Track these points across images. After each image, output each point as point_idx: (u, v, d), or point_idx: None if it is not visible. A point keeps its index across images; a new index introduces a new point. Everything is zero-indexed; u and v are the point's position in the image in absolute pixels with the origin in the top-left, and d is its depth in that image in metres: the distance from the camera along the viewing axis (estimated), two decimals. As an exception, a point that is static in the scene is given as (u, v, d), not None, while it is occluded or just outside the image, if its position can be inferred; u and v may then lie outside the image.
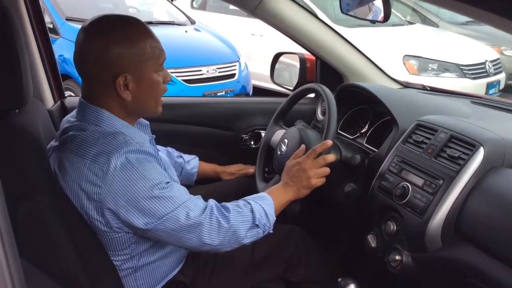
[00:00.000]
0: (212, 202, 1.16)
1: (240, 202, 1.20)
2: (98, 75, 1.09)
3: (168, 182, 1.09)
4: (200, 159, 1.70)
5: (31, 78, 1.07)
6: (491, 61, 5.00)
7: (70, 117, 1.21)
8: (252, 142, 1.95)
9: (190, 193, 1.15)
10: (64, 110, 1.75)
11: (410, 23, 6.04)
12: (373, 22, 1.55)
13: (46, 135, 1.25)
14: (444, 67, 4.70)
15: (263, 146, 1.65)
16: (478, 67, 4.82)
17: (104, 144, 1.06)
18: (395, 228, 1.26)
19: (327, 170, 1.29)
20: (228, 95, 4.34)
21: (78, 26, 1.16)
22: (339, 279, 1.26)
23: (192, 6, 6.45)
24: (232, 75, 4.46)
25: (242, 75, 4.54)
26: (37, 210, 0.97)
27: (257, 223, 1.16)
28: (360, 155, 1.42)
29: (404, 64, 4.62)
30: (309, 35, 1.74)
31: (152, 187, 1.05)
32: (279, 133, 1.60)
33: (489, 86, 4.84)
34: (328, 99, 1.39)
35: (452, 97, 1.80)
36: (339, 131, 1.68)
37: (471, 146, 1.16)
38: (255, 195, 1.25)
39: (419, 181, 1.22)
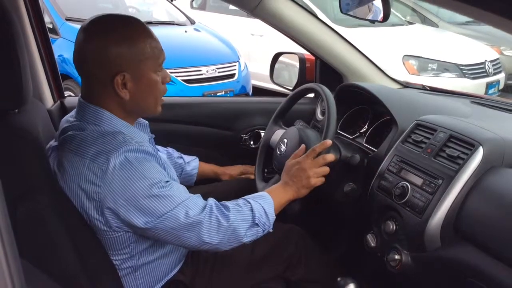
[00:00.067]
0: (211, 201, 1.16)
1: (240, 201, 1.20)
2: (98, 74, 1.09)
3: (167, 181, 1.09)
4: (199, 159, 1.70)
5: (31, 78, 1.07)
6: (491, 61, 5.00)
7: (70, 117, 1.21)
8: (252, 142, 1.95)
9: (190, 193, 1.15)
10: (64, 110, 1.75)
11: (410, 23, 6.04)
12: (373, 22, 1.56)
13: (46, 135, 1.25)
14: (444, 67, 4.71)
15: (262, 146, 1.65)
16: (477, 67, 4.82)
17: (103, 144, 1.06)
18: (394, 227, 1.26)
19: (326, 170, 1.30)
20: (228, 95, 4.34)
21: (78, 26, 1.16)
22: (339, 279, 1.26)
23: (191, 6, 6.45)
24: (232, 75, 4.46)
25: (241, 75, 4.54)
26: (37, 210, 0.97)
27: (256, 222, 1.17)
28: (360, 155, 1.42)
29: (404, 64, 4.63)
30: (309, 35, 1.74)
31: (151, 186, 1.05)
32: (278, 133, 1.60)
33: (489, 86, 4.84)
34: (327, 99, 1.39)
35: (452, 97, 1.80)
36: (338, 130, 1.68)
37: (470, 145, 1.16)
38: (255, 194, 1.25)
39: (419, 181, 1.22)
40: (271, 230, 1.22)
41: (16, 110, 1.08)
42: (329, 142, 1.30)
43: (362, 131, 1.62)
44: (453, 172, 1.15)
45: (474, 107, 1.64)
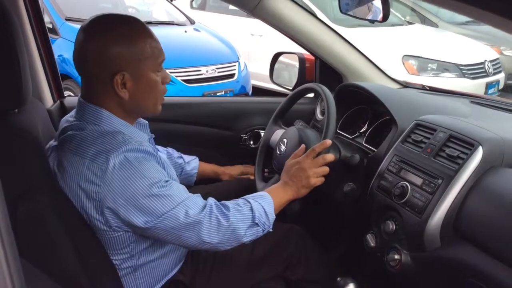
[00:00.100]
0: (211, 200, 1.16)
1: (240, 200, 1.20)
2: (97, 74, 1.09)
3: (167, 181, 1.09)
4: (199, 159, 1.70)
5: (31, 78, 1.07)
6: (491, 61, 5.00)
7: (69, 116, 1.21)
8: (252, 142, 1.95)
9: (190, 193, 1.15)
10: (64, 109, 1.75)
11: (410, 23, 6.04)
12: (372, 22, 1.55)
13: (46, 135, 1.25)
14: (444, 67, 4.71)
15: (262, 146, 1.65)
16: (477, 67, 4.82)
17: (103, 143, 1.06)
18: (394, 227, 1.26)
19: (326, 170, 1.30)
20: (228, 95, 4.34)
21: (78, 26, 1.16)
22: (338, 279, 1.26)
23: (191, 6, 6.45)
24: (232, 75, 4.46)
25: (241, 75, 4.54)
26: (37, 210, 0.97)
27: (256, 221, 1.17)
28: (359, 155, 1.42)
29: (404, 64, 4.63)
30: (308, 35, 1.74)
31: (151, 185, 1.05)
32: (278, 133, 1.60)
33: (488, 86, 4.85)
34: (327, 99, 1.39)
35: (452, 97, 1.80)
36: (338, 130, 1.68)
37: (470, 145, 1.16)
38: (254, 194, 1.25)
39: (418, 181, 1.22)
40: (271, 230, 1.22)
41: (16, 110, 1.08)
42: (328, 142, 1.30)
43: (361, 131, 1.62)
44: (453, 172, 1.15)
45: (474, 107, 1.64)
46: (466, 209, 1.11)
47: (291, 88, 1.97)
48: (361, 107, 1.68)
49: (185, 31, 4.83)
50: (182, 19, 5.17)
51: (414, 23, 6.15)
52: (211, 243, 1.12)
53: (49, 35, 1.78)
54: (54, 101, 1.77)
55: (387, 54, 4.60)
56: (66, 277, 0.97)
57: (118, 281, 1.16)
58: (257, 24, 4.52)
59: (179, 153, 1.66)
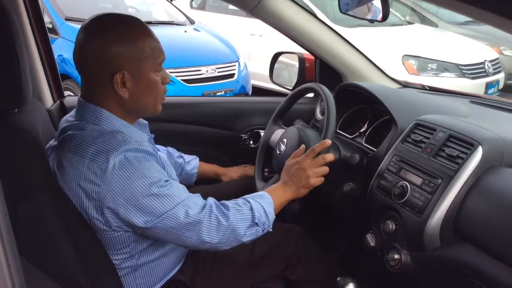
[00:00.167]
0: (211, 200, 1.16)
1: (240, 200, 1.20)
2: (98, 73, 1.09)
3: (167, 180, 1.09)
4: (199, 159, 1.70)
5: (30, 78, 1.07)
6: (490, 61, 5.00)
7: (69, 116, 1.21)
8: (251, 142, 1.95)
9: (190, 193, 1.15)
10: (63, 109, 1.75)
11: (409, 23, 6.04)
12: (372, 21, 1.55)
13: (46, 135, 1.25)
14: (443, 67, 4.71)
15: (262, 146, 1.65)
16: (477, 67, 4.82)
17: (103, 143, 1.06)
18: (394, 227, 1.26)
19: (326, 170, 1.30)
20: (228, 95, 4.34)
21: (78, 26, 1.16)
22: (338, 278, 1.26)
23: (191, 6, 6.45)
24: (231, 75, 4.46)
25: (241, 75, 4.54)
26: (37, 210, 0.97)
27: (256, 221, 1.17)
28: (359, 155, 1.42)
29: (403, 64, 4.63)
30: (308, 35, 1.74)
31: (151, 185, 1.05)
32: (278, 133, 1.60)
33: (488, 85, 4.85)
34: (327, 98, 1.39)
35: (451, 97, 1.80)
36: (338, 130, 1.68)
37: (469, 145, 1.16)
38: (254, 193, 1.25)
39: (418, 180, 1.23)
40: (270, 230, 1.22)
41: (16, 110, 1.08)
42: (328, 142, 1.30)
43: (361, 130, 1.62)
44: (453, 171, 1.15)
45: (474, 106, 1.64)
46: (466, 209, 1.11)
47: (291, 88, 1.97)
48: (361, 107, 1.68)
49: (185, 31, 4.83)
50: (182, 19, 5.17)
51: (414, 23, 6.15)
52: (211, 243, 1.12)
53: (49, 35, 1.78)
54: (54, 101, 1.77)
55: (387, 54, 4.60)
56: (66, 277, 0.97)
57: (118, 281, 1.16)
58: (257, 24, 4.52)
59: (180, 152, 1.66)
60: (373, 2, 1.46)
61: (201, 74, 4.22)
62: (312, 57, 1.90)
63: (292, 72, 2.06)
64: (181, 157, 1.65)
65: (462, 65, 4.73)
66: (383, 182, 1.33)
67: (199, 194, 1.17)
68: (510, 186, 1.09)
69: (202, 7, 6.44)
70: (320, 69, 1.90)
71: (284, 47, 2.20)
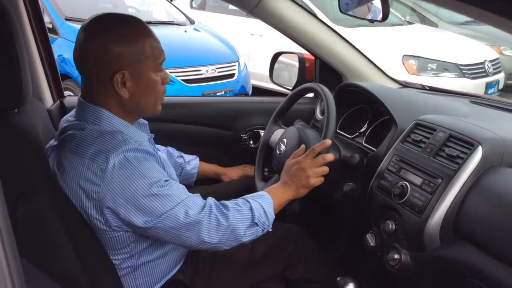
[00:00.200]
0: (211, 200, 1.16)
1: (239, 200, 1.20)
2: (98, 73, 1.09)
3: (166, 180, 1.09)
4: (199, 159, 1.70)
5: (30, 78, 1.07)
6: (490, 61, 5.00)
7: (69, 116, 1.21)
8: (251, 142, 1.95)
9: (190, 193, 1.15)
10: (63, 109, 1.75)
11: (409, 23, 6.04)
12: (372, 21, 1.55)
13: (46, 135, 1.25)
14: (443, 67, 4.71)
15: (262, 146, 1.65)
16: (477, 67, 4.82)
17: (103, 143, 1.06)
18: (394, 227, 1.26)
19: (326, 170, 1.30)
20: (227, 95, 4.34)
21: (78, 26, 1.16)
22: (338, 278, 1.26)
23: (191, 6, 6.45)
24: (231, 75, 4.46)
25: (241, 75, 4.54)
26: (37, 210, 0.97)
27: (256, 221, 1.17)
28: (359, 155, 1.42)
29: (403, 64, 4.63)
30: (308, 35, 1.74)
31: (151, 185, 1.05)
32: (278, 133, 1.60)
33: (488, 85, 4.85)
34: (327, 98, 1.39)
35: (451, 97, 1.80)
36: (338, 130, 1.68)
37: (469, 145, 1.16)
38: (254, 193, 1.25)
39: (418, 180, 1.23)
40: (270, 230, 1.22)
41: (16, 110, 1.08)
42: (328, 142, 1.30)
43: (361, 130, 1.62)
44: (453, 171, 1.15)
45: (474, 106, 1.64)
46: (466, 209, 1.11)
47: (291, 88, 1.97)
48: (361, 107, 1.69)
49: (185, 31, 4.83)
50: (182, 19, 5.17)
51: (414, 23, 6.15)
52: (211, 243, 1.12)
53: (49, 35, 1.78)
54: (54, 101, 1.77)
55: (387, 54, 4.60)
56: (66, 277, 0.97)
57: (118, 281, 1.16)
58: (257, 24, 4.52)
59: (180, 152, 1.66)
60: (373, 2, 1.46)
61: (201, 74, 4.22)
62: (312, 57, 1.90)
63: (292, 72, 2.06)
64: (181, 157, 1.65)
65: (462, 65, 4.73)
66: (383, 182, 1.33)
67: (198, 194, 1.17)
68: (510, 186, 1.09)
69: (202, 7, 6.44)
70: (320, 69, 1.90)
71: (284, 47, 2.20)
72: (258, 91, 5.07)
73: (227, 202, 1.18)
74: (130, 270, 1.18)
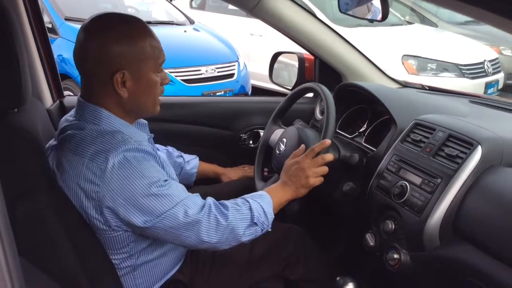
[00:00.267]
0: (210, 200, 1.16)
1: (239, 200, 1.20)
2: (98, 73, 1.09)
3: (166, 180, 1.09)
4: (199, 159, 1.70)
5: (30, 78, 1.07)
6: (490, 61, 5.00)
7: (69, 116, 1.22)
8: (251, 142, 1.95)
9: (190, 193, 1.15)
10: (63, 109, 1.75)
11: (409, 23, 6.05)
12: (372, 21, 1.55)
13: (45, 134, 1.25)
14: (443, 66, 4.71)
15: (261, 146, 1.65)
16: (476, 67, 4.83)
17: (102, 143, 1.06)
18: (393, 227, 1.26)
19: (325, 169, 1.30)
20: (227, 95, 4.34)
21: (77, 26, 1.16)
22: (338, 278, 1.26)
23: (191, 6, 6.45)
24: (231, 75, 4.46)
25: (241, 75, 4.55)
26: (36, 210, 0.97)
27: (255, 221, 1.17)
28: (359, 154, 1.42)
29: (403, 63, 4.63)
30: (308, 35, 1.74)
31: (150, 185, 1.05)
32: (277, 133, 1.60)
33: (488, 85, 4.85)
34: (326, 98, 1.39)
35: (451, 97, 1.80)
36: (337, 130, 1.68)
37: (469, 145, 1.16)
38: (254, 193, 1.25)
39: (417, 180, 1.23)
40: (270, 230, 1.22)
41: (16, 110, 1.08)
42: (328, 141, 1.30)
43: (361, 130, 1.62)
44: (452, 171, 1.15)
45: (473, 106, 1.64)
46: (465, 209, 1.11)
47: (290, 87, 1.97)
48: (361, 107, 1.69)
49: (185, 31, 4.83)
50: (182, 19, 5.17)
51: (413, 23, 6.15)
52: (210, 243, 1.12)
53: (49, 35, 1.78)
54: (54, 101, 1.78)
55: (387, 54, 4.60)
56: (66, 276, 0.97)
57: (118, 280, 1.16)
58: (257, 24, 4.52)
59: (179, 152, 1.66)
60: (372, 2, 1.46)
61: (201, 74, 4.22)
62: (312, 57, 1.90)
63: (291, 72, 2.06)
64: (181, 156, 1.65)
65: (461, 65, 4.73)
66: (382, 182, 1.33)
67: (198, 194, 1.17)
68: (509, 185, 1.09)
69: (201, 7, 6.44)
70: (320, 69, 1.90)
71: (284, 47, 2.20)
72: (257, 91, 5.07)
73: (227, 202, 1.18)
74: (130, 270, 1.18)
